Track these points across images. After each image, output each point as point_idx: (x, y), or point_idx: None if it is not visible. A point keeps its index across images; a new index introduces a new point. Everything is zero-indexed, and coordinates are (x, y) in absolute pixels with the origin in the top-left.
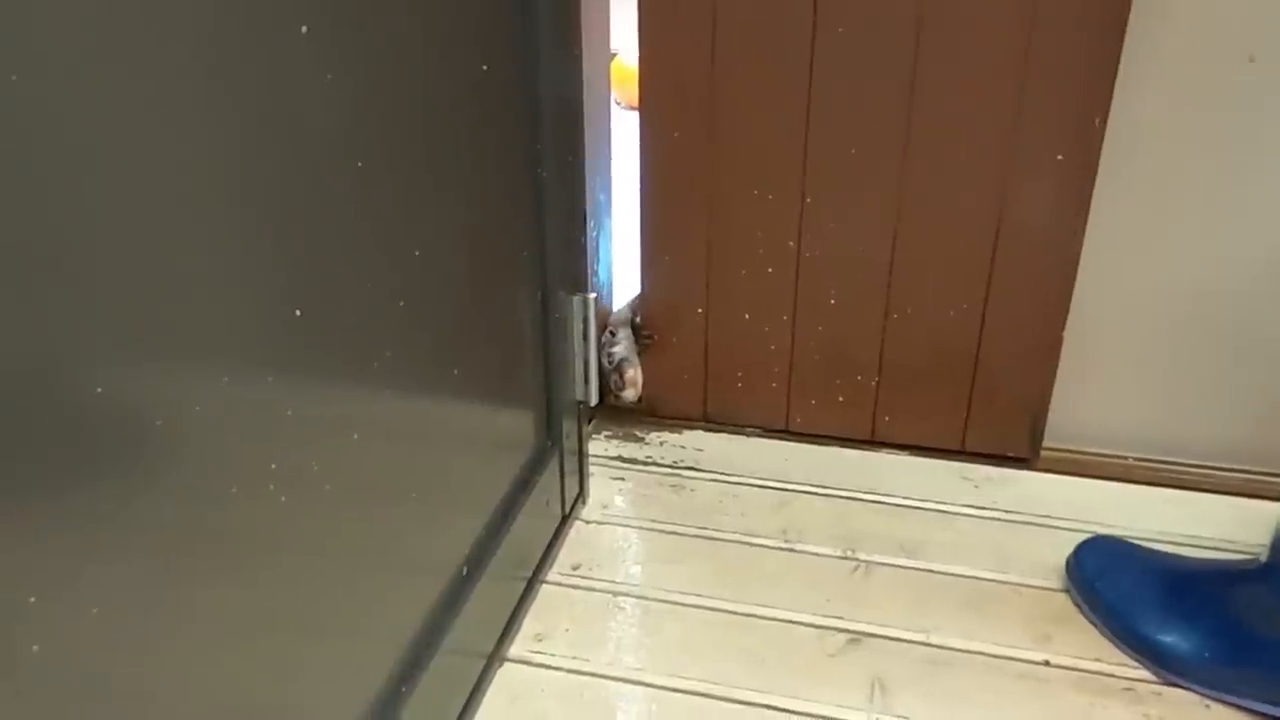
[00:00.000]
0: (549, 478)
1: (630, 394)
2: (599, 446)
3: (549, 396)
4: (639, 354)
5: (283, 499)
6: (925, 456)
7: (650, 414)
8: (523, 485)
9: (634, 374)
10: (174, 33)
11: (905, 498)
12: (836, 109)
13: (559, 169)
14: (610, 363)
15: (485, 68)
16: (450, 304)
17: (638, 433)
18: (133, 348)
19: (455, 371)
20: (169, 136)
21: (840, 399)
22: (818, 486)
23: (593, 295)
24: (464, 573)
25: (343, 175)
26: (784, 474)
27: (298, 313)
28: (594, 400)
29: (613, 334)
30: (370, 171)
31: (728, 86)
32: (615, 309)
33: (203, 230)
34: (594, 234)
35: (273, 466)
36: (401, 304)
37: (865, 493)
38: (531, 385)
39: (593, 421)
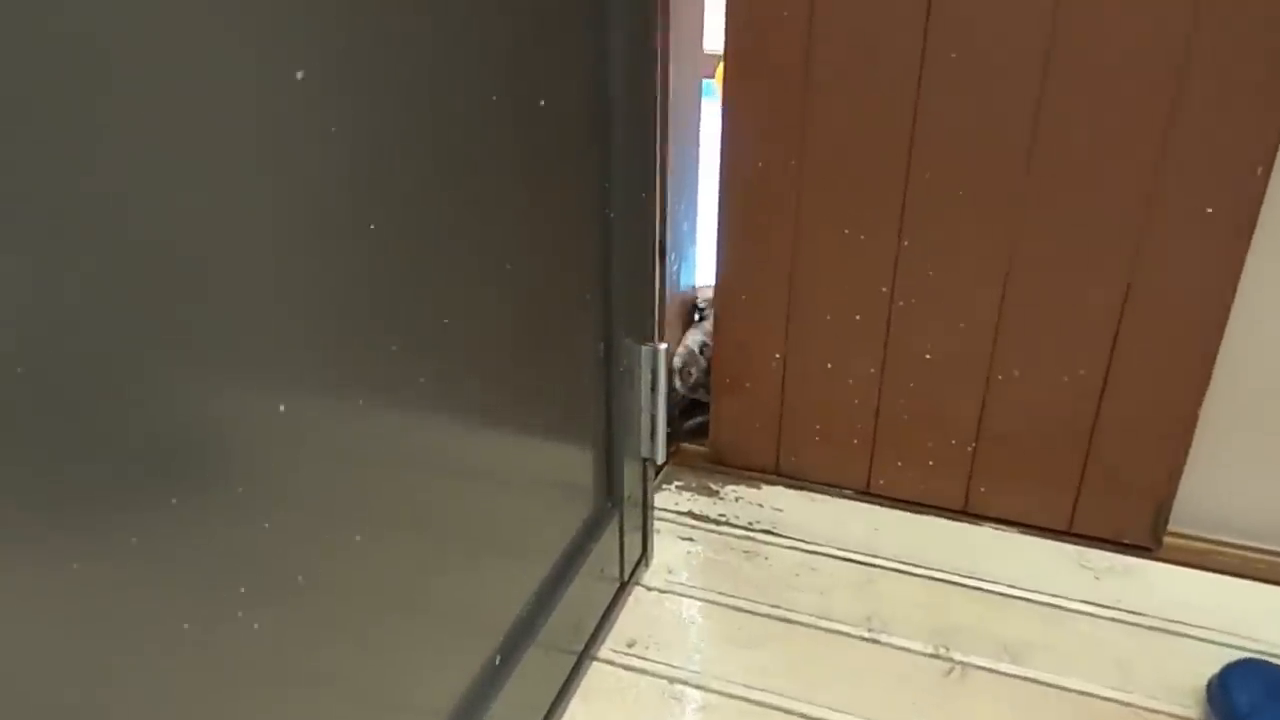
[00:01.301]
0: (608, 539)
1: (702, 392)
2: (668, 499)
3: (610, 452)
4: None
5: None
6: (1027, 534)
7: (718, 461)
8: (579, 546)
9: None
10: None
11: (1010, 585)
12: (944, 143)
13: (629, 209)
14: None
15: (543, 103)
16: (501, 350)
17: (711, 485)
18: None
19: (507, 421)
20: (253, 183)
21: (930, 463)
22: (907, 564)
23: (663, 346)
24: (509, 640)
25: (377, 217)
26: (869, 545)
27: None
28: (660, 458)
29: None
30: (406, 212)
31: (822, 111)
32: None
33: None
34: (674, 267)
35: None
36: (447, 346)
37: (962, 575)
38: (592, 440)
39: (663, 469)
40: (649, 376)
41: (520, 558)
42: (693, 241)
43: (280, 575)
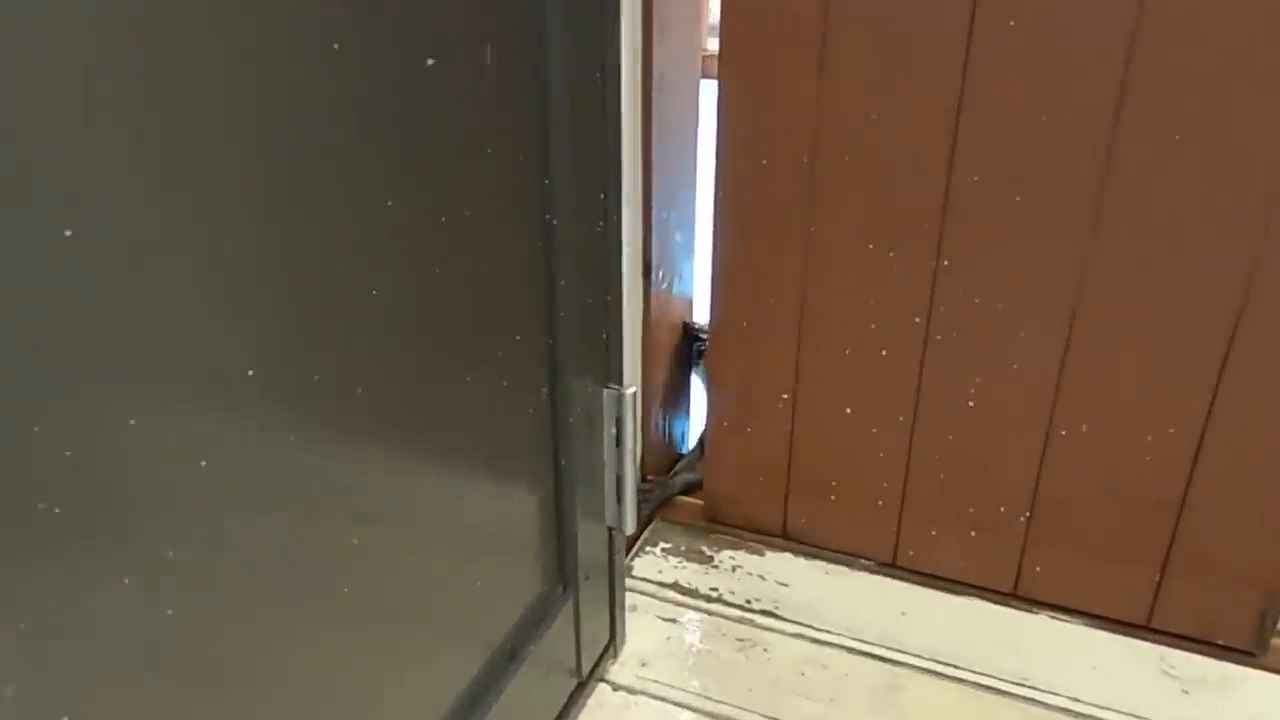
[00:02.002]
0: (560, 626)
1: None
2: (651, 565)
3: (561, 520)
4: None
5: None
6: (1094, 626)
7: (713, 519)
8: (523, 634)
9: None
10: None
11: (1072, 697)
12: (997, 135)
13: (579, 215)
14: None
15: (431, 62)
16: (406, 388)
17: (705, 548)
18: None
19: (424, 480)
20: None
21: (972, 533)
22: (941, 662)
23: (630, 390)
24: None
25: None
26: (894, 635)
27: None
28: (629, 527)
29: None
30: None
31: (841, 95)
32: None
33: None
34: (663, 285)
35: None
36: (337, 385)
37: (1010, 680)
38: (537, 505)
39: (649, 528)
40: (610, 428)
41: (445, 648)
42: (689, 256)
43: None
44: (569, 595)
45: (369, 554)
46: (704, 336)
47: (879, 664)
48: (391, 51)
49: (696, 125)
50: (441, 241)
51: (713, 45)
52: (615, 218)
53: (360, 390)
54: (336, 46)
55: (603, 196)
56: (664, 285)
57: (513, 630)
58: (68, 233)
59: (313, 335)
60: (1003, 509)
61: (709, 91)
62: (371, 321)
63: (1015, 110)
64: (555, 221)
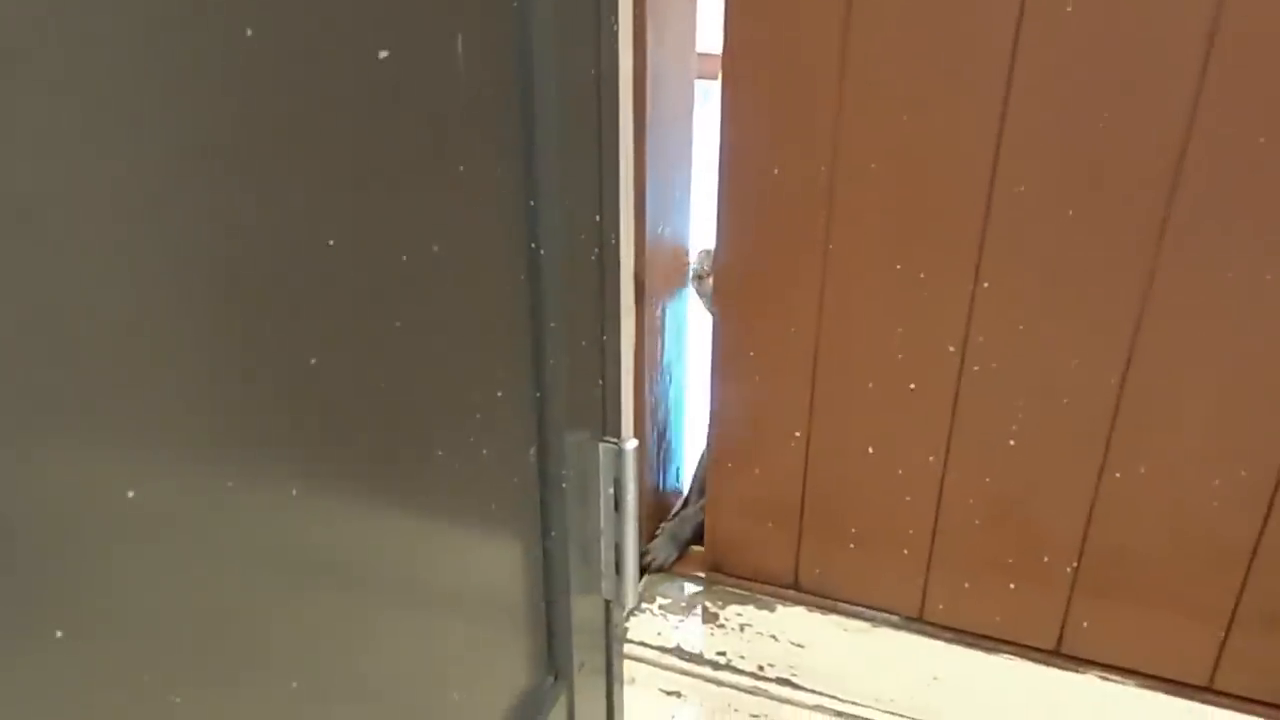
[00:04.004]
0: None
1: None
2: (648, 626)
3: (550, 606)
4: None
5: None
6: (1149, 688)
7: (716, 569)
8: None
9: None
10: None
11: None
12: (1049, 141)
13: (570, 240)
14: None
15: (384, 54)
16: (346, 478)
17: (708, 604)
18: None
19: (390, 558)
20: None
21: (1011, 585)
22: None
23: (631, 444)
24: None
25: None
26: (929, 705)
27: None
28: (630, 601)
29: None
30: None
31: (865, 92)
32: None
33: None
34: (658, 311)
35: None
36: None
37: None
38: (523, 584)
39: (642, 580)
40: (607, 489)
41: None
42: (684, 279)
43: None
44: (562, 687)
45: (320, 651)
46: None
47: None
48: (329, 41)
49: (691, 131)
50: (401, 287)
51: (709, 42)
52: (613, 242)
53: (295, 489)
54: (250, 33)
55: (598, 219)
56: (659, 310)
57: None
58: None
59: (233, 419)
60: (1046, 558)
61: (704, 94)
62: (308, 398)
63: (1071, 109)
64: (542, 251)
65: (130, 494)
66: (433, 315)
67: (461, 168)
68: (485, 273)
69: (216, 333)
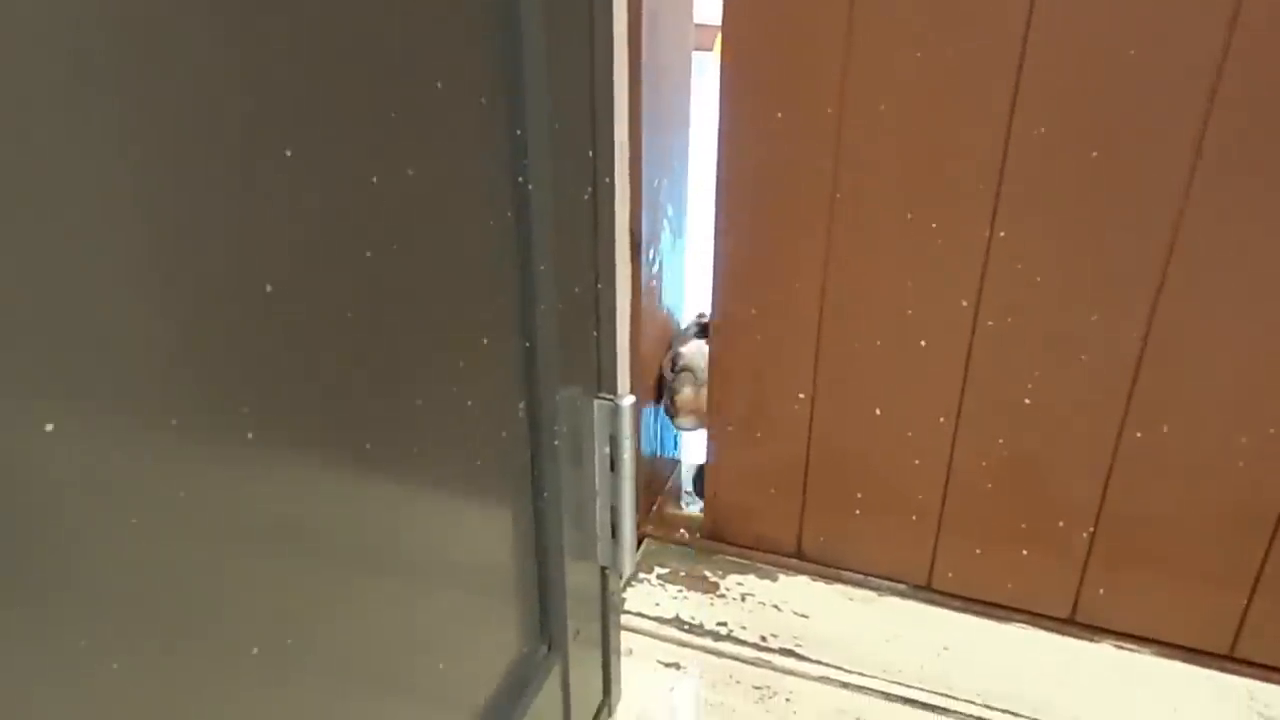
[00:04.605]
0: (546, 696)
1: (688, 422)
2: (646, 596)
3: (543, 570)
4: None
5: None
6: (1168, 656)
7: (715, 536)
8: (501, 708)
9: (691, 393)
10: None
11: None
12: (1071, 77)
13: (562, 180)
14: (670, 373)
15: None
16: (315, 425)
17: (708, 573)
18: None
19: (371, 517)
20: None
21: (1024, 551)
22: (998, 709)
23: (628, 401)
24: None
25: None
26: (937, 674)
27: None
28: (627, 567)
29: (675, 362)
30: None
31: (875, 25)
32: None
33: None
34: (654, 268)
35: None
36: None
37: None
38: (510, 554)
39: (639, 548)
40: (602, 448)
41: None
42: (681, 233)
43: None
44: (555, 656)
45: (281, 617)
46: (703, 325)
47: (924, 713)
48: None
49: (689, 74)
50: (370, 212)
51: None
52: (607, 181)
53: (250, 432)
54: None
55: (591, 154)
56: (654, 267)
57: (488, 702)
58: None
59: (174, 347)
60: (1061, 523)
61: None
62: (263, 329)
63: (1095, 43)
64: (530, 186)
65: (49, 427)
66: (408, 246)
67: (439, 84)
68: (468, 206)
69: (155, 248)
